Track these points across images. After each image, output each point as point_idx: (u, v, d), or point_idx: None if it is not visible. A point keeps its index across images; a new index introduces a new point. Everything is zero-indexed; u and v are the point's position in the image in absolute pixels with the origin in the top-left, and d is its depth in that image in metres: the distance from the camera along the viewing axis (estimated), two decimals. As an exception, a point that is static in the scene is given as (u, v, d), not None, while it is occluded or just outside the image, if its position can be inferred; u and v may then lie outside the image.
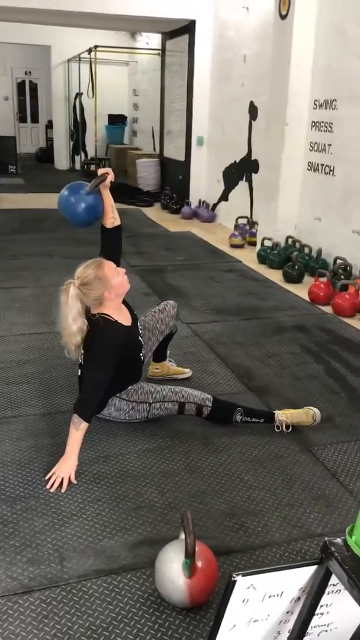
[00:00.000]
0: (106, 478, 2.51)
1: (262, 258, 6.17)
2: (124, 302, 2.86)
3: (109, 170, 2.87)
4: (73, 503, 2.34)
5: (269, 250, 6.13)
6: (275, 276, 5.69)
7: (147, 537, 2.17)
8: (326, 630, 1.57)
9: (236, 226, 7.28)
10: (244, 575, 1.30)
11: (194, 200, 8.84)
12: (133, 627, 1.81)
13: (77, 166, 13.53)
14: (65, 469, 2.44)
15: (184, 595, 1.82)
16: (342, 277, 5.14)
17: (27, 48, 14.52)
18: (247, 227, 7.21)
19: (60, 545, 2.12)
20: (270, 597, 1.39)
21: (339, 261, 5.32)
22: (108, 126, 13.42)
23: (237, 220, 7.39)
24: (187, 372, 3.46)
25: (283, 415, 2.89)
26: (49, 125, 15.77)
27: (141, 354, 2.89)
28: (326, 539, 1.30)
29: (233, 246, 6.93)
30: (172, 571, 1.83)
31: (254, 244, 6.76)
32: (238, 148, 7.67)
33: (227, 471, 2.59)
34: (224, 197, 8.27)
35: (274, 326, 4.37)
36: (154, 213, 8.99)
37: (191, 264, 6.07)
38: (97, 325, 2.59)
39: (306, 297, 5.02)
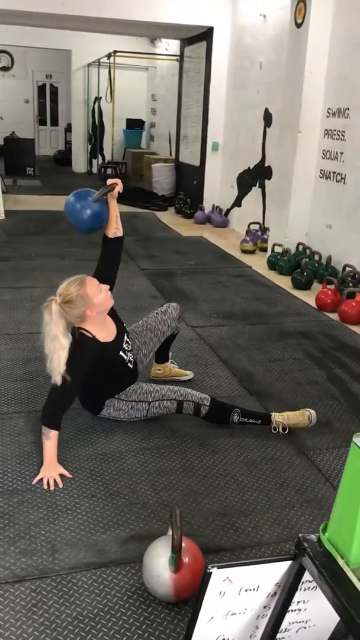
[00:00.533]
0: (102, 475, 2.56)
1: (272, 264, 6.20)
2: (113, 313, 2.87)
3: (118, 181, 2.91)
4: (68, 498, 2.39)
5: (279, 257, 6.16)
6: (284, 282, 5.71)
7: (139, 533, 2.22)
8: (304, 627, 1.60)
9: (248, 232, 7.31)
10: (219, 567, 1.34)
11: (207, 205, 8.90)
12: (119, 618, 1.85)
13: (95, 169, 13.66)
14: (51, 470, 2.48)
15: (169, 589, 1.86)
16: (350, 284, 5.16)
17: (49, 52, 14.71)
18: (259, 233, 7.24)
19: (53, 537, 2.17)
20: (246, 590, 1.43)
21: (347, 269, 5.34)
22: (126, 130, 13.53)
23: (249, 226, 7.42)
24: (189, 374, 3.50)
25: (280, 417, 2.92)
26: (68, 128, 15.95)
27: (128, 362, 2.85)
28: (300, 535, 1.34)
29: (244, 252, 6.97)
30: (159, 565, 1.87)
31: (265, 249, 6.79)
32: (252, 154, 7.71)
33: (222, 472, 2.63)
34: (238, 202, 8.32)
35: (279, 332, 4.40)
36: (168, 217, 9.05)
37: (201, 269, 6.11)
38: (74, 340, 2.60)
39: (313, 304, 5.04)
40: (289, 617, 1.53)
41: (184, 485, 2.52)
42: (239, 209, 8.31)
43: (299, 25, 5.88)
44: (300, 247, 6.19)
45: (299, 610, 1.53)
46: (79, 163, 14.11)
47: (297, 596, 1.47)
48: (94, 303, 2.62)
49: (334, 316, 4.78)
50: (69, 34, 11.65)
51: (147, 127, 13.71)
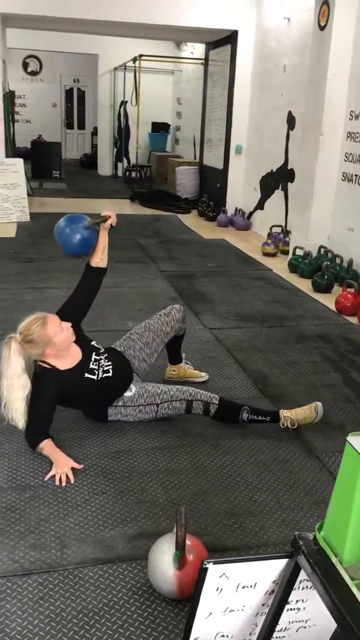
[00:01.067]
0: (113, 473, 2.59)
1: (294, 267, 6.18)
2: (80, 337, 2.84)
3: (112, 213, 2.95)
4: (79, 494, 2.43)
5: (300, 259, 6.14)
6: (304, 285, 5.69)
7: (146, 530, 2.24)
8: (304, 627, 1.60)
9: (269, 235, 7.30)
10: (215, 563, 1.35)
11: (230, 208, 8.90)
12: (123, 613, 1.88)
13: (120, 172, 13.77)
14: (62, 465, 2.51)
15: (173, 586, 1.88)
16: (371, 288, 5.11)
17: (76, 56, 14.89)
18: (281, 235, 7.23)
19: (62, 533, 2.21)
20: (244, 587, 1.44)
21: (368, 272, 5.30)
22: (151, 134, 13.61)
23: (271, 228, 7.42)
24: (204, 376, 3.51)
25: (287, 412, 2.94)
26: (95, 132, 16.10)
27: (100, 378, 2.79)
28: (296, 532, 1.35)
29: (265, 254, 6.95)
30: (163, 563, 1.90)
31: (286, 252, 6.77)
32: (275, 157, 7.70)
33: (232, 472, 2.64)
34: (260, 205, 8.31)
35: (297, 334, 4.39)
36: (191, 220, 9.08)
37: (221, 271, 6.12)
38: (34, 374, 2.66)
39: (333, 307, 5.01)
40: (288, 616, 1.54)
41: (193, 484, 2.54)
42: (261, 211, 8.30)
43: (322, 28, 5.86)
44: (322, 250, 6.16)
45: (298, 609, 1.54)
46: (105, 166, 14.24)
47: (296, 595, 1.48)
48: (54, 343, 2.63)
49: (354, 320, 4.75)
50: (95, 39, 11.78)
51: (173, 130, 13.77)
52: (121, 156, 13.69)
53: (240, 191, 8.88)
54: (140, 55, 10.84)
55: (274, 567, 1.41)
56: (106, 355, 2.90)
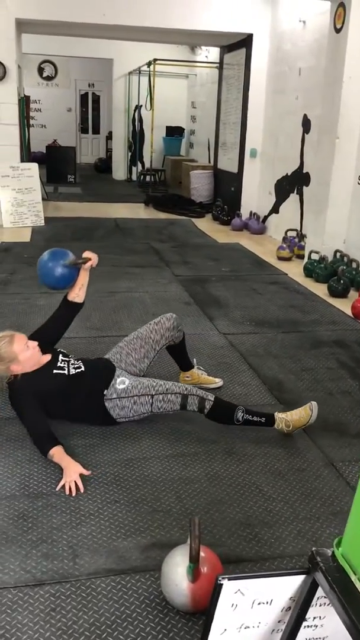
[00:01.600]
0: (126, 481, 2.56)
1: (309, 271, 6.12)
2: (47, 347, 2.97)
3: (93, 256, 3.11)
4: (92, 503, 2.40)
5: (315, 264, 6.08)
6: (320, 290, 5.63)
7: (160, 541, 2.21)
8: (322, 644, 1.56)
9: (284, 239, 7.25)
10: (230, 579, 1.32)
11: (245, 212, 8.86)
12: (136, 626, 1.84)
13: (134, 177, 13.78)
14: (71, 473, 2.49)
15: (187, 599, 1.85)
16: (388, 293, 5.05)
17: (91, 61, 14.94)
18: (296, 240, 7.17)
19: (74, 542, 2.18)
20: (259, 604, 1.40)
21: (385, 277, 5.23)
22: (166, 138, 13.61)
23: (286, 232, 7.36)
24: (218, 382, 3.48)
25: (282, 414, 2.91)
26: (109, 136, 16.15)
27: (71, 371, 2.89)
28: (314, 548, 1.31)
29: (280, 259, 6.90)
30: (177, 575, 1.86)
31: (302, 256, 6.71)
32: (290, 161, 7.65)
33: (247, 481, 2.59)
34: (275, 209, 8.26)
35: (312, 340, 4.33)
36: (205, 224, 9.05)
37: (235, 275, 6.08)
38: (9, 387, 2.83)
39: (349, 312, 4.95)
40: (304, 633, 1.50)
41: (208, 494, 2.50)
42: (276, 215, 8.25)
43: (338, 31, 5.81)
44: (338, 254, 6.10)
45: (315, 626, 1.49)
46: (119, 170, 14.26)
47: (313, 612, 1.44)
48: (19, 360, 2.77)
49: (370, 325, 4.69)
50: (110, 43, 11.82)
51: (187, 134, 13.77)
52: (136, 160, 13.71)
53: (255, 195, 8.84)
54: (155, 60, 10.85)
55: (291, 583, 1.38)
56: (77, 358, 3.03)
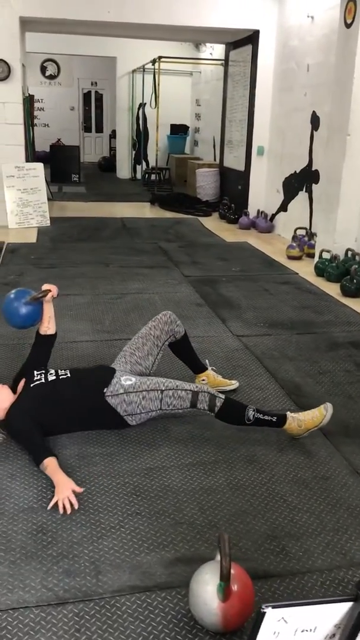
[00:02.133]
0: (147, 492, 2.48)
1: (320, 270, 6.03)
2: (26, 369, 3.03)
3: (52, 287, 3.12)
4: (112, 515, 2.33)
5: (327, 263, 5.99)
6: (332, 289, 5.55)
7: (184, 555, 2.13)
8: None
9: (294, 237, 7.16)
10: (274, 607, 1.25)
11: (252, 210, 8.77)
12: (164, 648, 1.77)
13: (139, 175, 13.70)
14: (63, 489, 2.38)
15: (218, 619, 1.77)
16: None
17: (94, 59, 14.87)
18: (306, 238, 7.08)
19: (96, 558, 2.11)
20: (302, 631, 1.33)
21: None
22: (170, 136, 13.52)
23: (295, 231, 7.27)
24: (234, 384, 3.41)
25: (294, 413, 2.86)
26: (113, 135, 16.06)
27: (49, 377, 2.91)
28: (363, 575, 1.23)
29: (290, 258, 6.81)
30: (207, 593, 1.79)
31: (312, 255, 6.63)
32: (298, 158, 7.56)
33: (270, 491, 2.52)
34: (283, 207, 8.17)
35: (328, 342, 4.25)
36: (212, 223, 8.97)
37: (245, 275, 6.00)
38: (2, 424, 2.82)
39: (364, 312, 4.88)
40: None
41: (231, 504, 2.42)
42: (284, 213, 8.16)
43: (348, 26, 5.72)
44: (349, 253, 6.01)
45: (360, 652, 1.42)
46: (123, 169, 14.17)
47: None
48: None
49: (386, 325, 4.61)
50: (113, 41, 11.72)
51: (191, 132, 13.68)
52: (140, 159, 13.62)
53: (263, 193, 8.75)
54: (160, 57, 10.75)
55: (337, 611, 1.30)
56: (61, 369, 3.01)
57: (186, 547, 2.18)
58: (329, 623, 1.33)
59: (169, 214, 9.63)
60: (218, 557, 1.84)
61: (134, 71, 12.98)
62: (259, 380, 3.58)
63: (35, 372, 2.95)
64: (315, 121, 7.12)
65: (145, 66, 12.03)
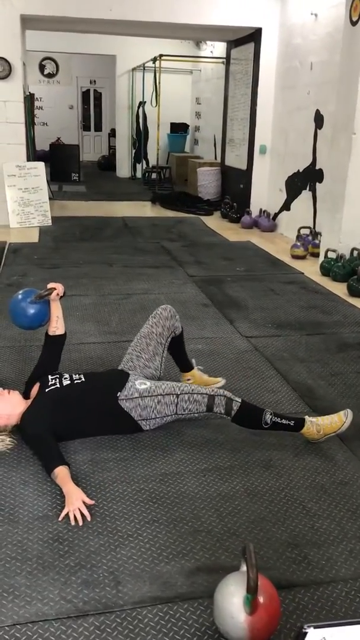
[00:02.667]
0: (163, 498, 2.43)
1: (326, 270, 5.99)
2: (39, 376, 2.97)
3: (57, 285, 3.06)
4: (129, 523, 2.28)
5: (332, 262, 5.95)
6: (339, 289, 5.51)
7: (205, 565, 2.09)
8: None
9: (298, 237, 7.11)
10: (315, 627, 1.20)
11: (254, 209, 8.72)
12: (189, 662, 1.72)
13: (139, 174, 13.63)
14: (73, 500, 2.32)
15: (245, 632, 1.72)
16: None
17: (92, 58, 14.79)
18: (310, 237, 7.04)
19: (115, 567, 2.06)
20: (342, 650, 1.28)
21: None
22: (170, 134, 13.46)
23: (299, 230, 7.23)
24: (221, 381, 3.35)
25: (313, 418, 2.81)
26: (112, 133, 15.99)
27: (64, 382, 2.85)
28: None
29: (294, 257, 6.77)
30: (233, 606, 1.74)
31: (316, 255, 6.59)
32: (302, 157, 7.51)
33: (288, 497, 2.47)
34: (286, 206, 8.12)
35: (338, 342, 4.21)
36: (214, 222, 8.92)
37: (251, 275, 5.95)
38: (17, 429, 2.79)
39: (372, 313, 4.83)
40: None
41: (249, 511, 2.37)
42: (287, 212, 8.11)
43: (354, 23, 5.67)
44: (355, 253, 5.97)
45: None
46: (123, 168, 14.10)
47: None
48: (7, 415, 2.75)
49: (395, 326, 4.56)
50: (113, 40, 11.65)
51: (192, 130, 13.62)
52: (140, 158, 13.55)
53: (265, 192, 8.70)
54: (161, 55, 10.69)
55: (379, 629, 1.26)
56: (77, 373, 2.97)
57: (206, 555, 2.13)
58: (370, 641, 1.28)
59: (170, 213, 9.57)
60: (243, 568, 1.80)
61: (134, 69, 12.91)
62: (270, 382, 3.53)
63: (50, 377, 2.89)
64: (319, 120, 7.07)
65: (146, 64, 11.96)
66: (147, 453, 2.74)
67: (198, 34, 9.66)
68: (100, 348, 3.98)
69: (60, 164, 12.59)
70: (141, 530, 2.24)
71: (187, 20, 7.94)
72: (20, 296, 3.08)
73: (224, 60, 9.92)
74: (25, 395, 2.87)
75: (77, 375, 2.90)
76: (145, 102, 12.45)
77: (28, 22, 8.11)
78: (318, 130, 7.12)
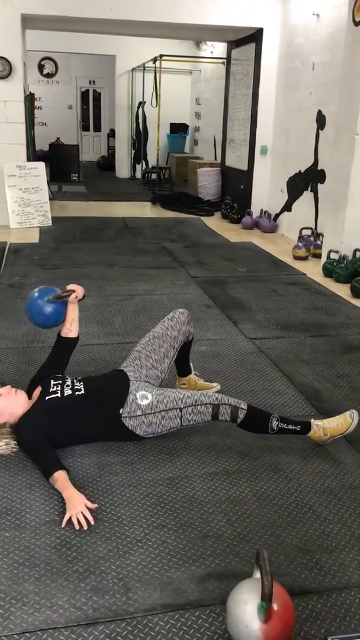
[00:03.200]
0: (171, 502, 2.40)
1: (328, 271, 5.97)
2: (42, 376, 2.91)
3: (77, 287, 3.01)
4: (138, 528, 2.25)
5: (335, 264, 5.93)
6: (342, 290, 5.48)
7: (216, 571, 2.05)
8: None
9: (300, 237, 7.09)
10: (340, 639, 1.17)
11: (255, 210, 8.70)
12: (203, 671, 1.69)
13: (138, 175, 13.60)
14: (76, 504, 2.28)
15: (259, 641, 1.69)
16: None
17: (92, 58, 14.75)
18: (312, 238, 7.02)
19: (125, 574, 2.03)
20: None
21: None
22: (170, 135, 13.43)
23: (301, 231, 7.21)
24: (216, 386, 3.32)
25: (319, 421, 2.78)
26: (111, 133, 15.96)
27: (67, 392, 2.75)
28: None
29: (296, 258, 6.74)
30: (246, 614, 1.71)
31: (318, 256, 6.56)
32: (303, 157, 7.49)
33: (298, 501, 2.44)
34: (287, 207, 8.10)
35: (342, 344, 4.18)
36: (214, 222, 8.89)
37: (253, 276, 5.93)
38: (13, 430, 2.72)
39: (375, 314, 4.81)
40: None
41: (259, 516, 2.34)
42: (288, 213, 8.09)
43: (357, 24, 5.64)
44: (358, 254, 5.94)
45: None
46: (123, 168, 14.07)
47: None
48: (9, 413, 2.68)
49: None
50: (113, 40, 11.63)
51: (191, 131, 13.59)
52: (139, 158, 13.52)
53: (266, 193, 8.67)
54: (161, 56, 10.66)
55: None
56: (78, 378, 2.87)
57: (216, 561, 2.10)
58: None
59: (170, 214, 9.55)
60: (256, 575, 1.77)
61: (133, 69, 12.88)
62: (276, 384, 3.50)
63: (52, 383, 2.82)
64: (321, 120, 7.05)
65: (145, 64, 11.93)
66: (153, 456, 2.71)
67: (198, 34, 9.63)
68: (103, 350, 3.95)
69: (59, 164, 12.54)
70: (150, 536, 2.21)
71: (187, 20, 7.91)
72: (37, 293, 3.01)
73: (225, 60, 9.90)
74: (29, 396, 2.83)
75: (78, 384, 2.81)
76: (144, 102, 12.42)
77: (28, 22, 8.07)
78: (320, 131, 7.10)
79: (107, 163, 15.16)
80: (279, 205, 8.34)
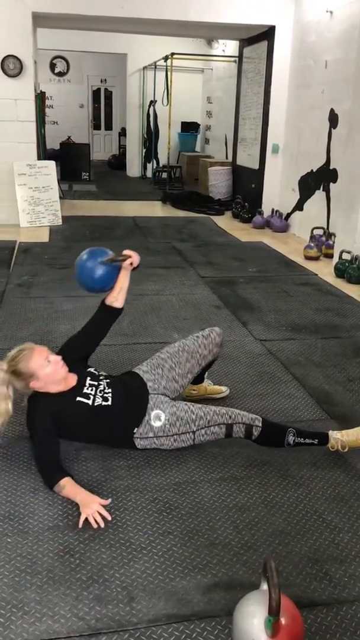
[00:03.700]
0: (177, 509, 2.35)
1: (340, 272, 5.88)
2: (74, 363, 2.70)
3: (133, 254, 2.83)
4: (142, 535, 2.20)
5: (347, 264, 5.84)
6: (354, 291, 5.40)
7: (222, 580, 2.00)
8: None
9: (312, 237, 7.01)
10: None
11: (266, 209, 8.62)
12: None
13: (149, 174, 13.56)
14: (90, 504, 2.24)
15: (266, 656, 1.64)
16: None
17: (103, 56, 14.73)
18: (324, 238, 6.93)
19: (129, 582, 1.98)
20: None
21: None
22: (180, 134, 13.37)
23: (312, 231, 7.12)
24: (225, 391, 3.26)
25: (338, 434, 2.69)
26: (122, 132, 15.93)
27: (94, 402, 2.59)
28: None
29: (308, 258, 6.66)
30: (253, 628, 1.65)
31: (330, 256, 6.48)
32: (315, 156, 7.40)
33: (308, 509, 2.38)
34: (299, 206, 8.02)
35: (355, 346, 4.11)
36: (225, 222, 8.83)
37: (263, 276, 5.86)
38: (28, 404, 2.59)
39: (388, 316, 4.73)
40: None
41: (267, 524, 2.29)
42: (300, 213, 8.01)
43: (371, 20, 5.56)
44: (370, 254, 5.86)
45: None
46: (134, 167, 14.04)
47: None
48: (39, 376, 2.52)
49: None
50: (124, 38, 11.60)
51: (202, 130, 13.52)
52: (150, 157, 13.47)
53: (277, 192, 8.60)
54: (173, 54, 10.60)
55: None
56: (107, 381, 2.69)
57: (223, 570, 2.05)
58: None
59: (181, 213, 9.49)
60: (263, 586, 1.71)
61: (145, 68, 12.84)
62: (286, 388, 3.44)
63: (89, 382, 2.63)
64: (333, 119, 6.96)
65: (157, 63, 11.88)
66: (160, 461, 2.66)
67: (210, 32, 9.56)
68: (112, 350, 3.90)
69: (70, 163, 12.52)
70: (155, 543, 2.16)
71: (199, 18, 7.85)
72: (88, 255, 2.84)
73: (236, 58, 9.83)
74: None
75: (107, 389, 2.64)
76: (156, 101, 12.36)
77: (39, 20, 8.04)
78: (332, 130, 7.01)
79: (118, 162, 15.13)
80: (290, 205, 8.26)
